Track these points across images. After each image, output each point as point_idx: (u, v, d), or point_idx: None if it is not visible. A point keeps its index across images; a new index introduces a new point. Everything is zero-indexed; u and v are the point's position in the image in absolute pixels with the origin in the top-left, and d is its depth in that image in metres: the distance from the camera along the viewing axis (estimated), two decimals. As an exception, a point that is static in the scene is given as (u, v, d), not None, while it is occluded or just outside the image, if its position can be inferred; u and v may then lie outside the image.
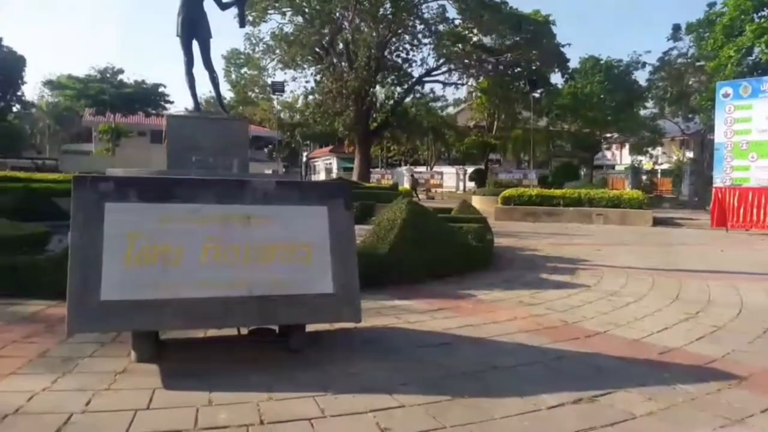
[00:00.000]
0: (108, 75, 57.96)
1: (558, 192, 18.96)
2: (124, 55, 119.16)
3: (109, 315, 3.09)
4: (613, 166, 53.40)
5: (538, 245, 10.36)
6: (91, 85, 56.61)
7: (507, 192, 18.91)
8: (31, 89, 59.50)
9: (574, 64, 40.00)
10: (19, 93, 50.37)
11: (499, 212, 17.59)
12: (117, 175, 4.01)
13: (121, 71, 59.39)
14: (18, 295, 4.82)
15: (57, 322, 4.08)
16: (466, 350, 3.80)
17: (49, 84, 61.47)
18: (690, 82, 38.25)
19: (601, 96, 42.16)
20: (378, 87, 33.77)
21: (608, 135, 46.89)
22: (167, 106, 59.88)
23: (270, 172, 37.83)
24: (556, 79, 39.08)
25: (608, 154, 56.86)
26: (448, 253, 6.51)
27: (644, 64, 41.20)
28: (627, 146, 51.03)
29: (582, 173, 42.19)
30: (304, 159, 65.17)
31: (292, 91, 38.48)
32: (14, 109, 52.21)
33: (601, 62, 43.47)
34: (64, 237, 6.73)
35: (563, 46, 36.25)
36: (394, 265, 5.86)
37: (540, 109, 39.66)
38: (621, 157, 54.82)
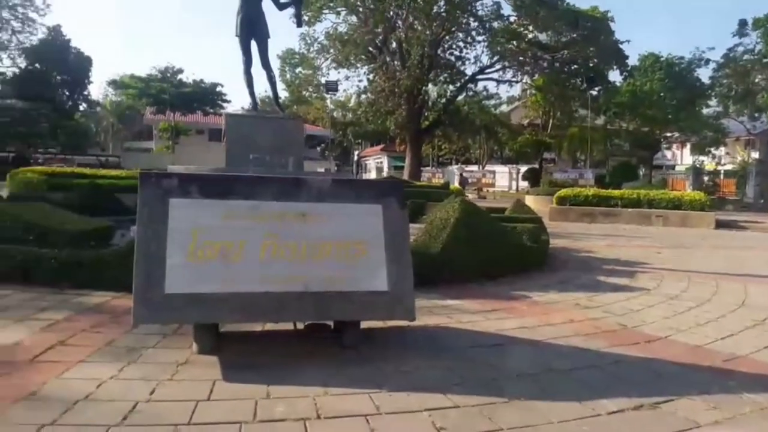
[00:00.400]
0: (168, 75, 59.97)
1: (616, 192, 18.45)
2: (183, 55, 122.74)
3: (172, 307, 3.20)
4: (673, 167, 51.48)
5: (594, 247, 10.12)
6: (152, 85, 58.78)
7: (562, 192, 18.52)
8: (96, 89, 62.23)
9: (633, 61, 38.89)
10: (85, 92, 52.84)
11: (554, 212, 17.25)
12: (180, 172, 4.14)
13: (180, 71, 61.45)
14: (84, 286, 5.05)
15: (122, 313, 4.26)
16: (520, 352, 3.75)
17: (113, 83, 64.20)
18: (756, 80, 36.57)
19: (662, 94, 40.80)
20: (430, 85, 33.63)
21: (668, 134, 45.30)
22: (224, 105, 61.58)
23: (322, 170, 38.30)
24: (615, 76, 38.10)
25: (668, 153, 54.92)
26: (501, 253, 6.43)
27: (707, 61, 39.68)
28: (688, 146, 49.21)
29: (641, 173, 40.94)
30: (356, 157, 65.70)
31: (345, 90, 38.71)
32: (81, 108, 54.73)
33: (662, 59, 42.04)
34: (127, 231, 7.02)
35: (622, 42, 35.23)
36: (447, 265, 5.83)
37: (597, 107, 38.66)
38: (681, 157, 52.88)
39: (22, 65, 47.00)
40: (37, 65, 46.33)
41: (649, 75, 41.75)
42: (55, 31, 47.19)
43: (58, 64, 46.73)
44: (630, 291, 6.07)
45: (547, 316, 4.73)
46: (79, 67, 48.96)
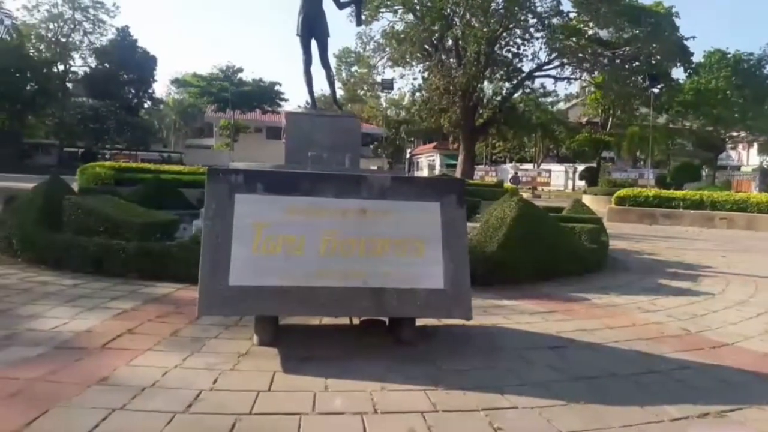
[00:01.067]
0: (229, 74, 61.60)
1: (677, 193, 17.81)
2: (244, 54, 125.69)
3: (236, 299, 3.30)
4: (738, 167, 49.22)
5: (655, 249, 9.80)
6: (213, 83, 60.54)
7: (622, 192, 18.00)
8: (161, 87, 64.81)
9: (697, 58, 37.38)
10: (150, 90, 54.96)
11: (613, 213, 16.80)
12: (246, 169, 4.26)
13: (240, 70, 63.05)
14: (151, 277, 5.27)
15: (185, 304, 4.42)
16: (580, 355, 3.68)
17: (176, 82, 66.51)
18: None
19: (728, 92, 39.14)
20: (486, 83, 33.31)
21: (734, 134, 43.39)
22: (282, 103, 62.80)
23: (375, 168, 38.47)
24: (678, 73, 36.69)
25: (733, 154, 52.50)
26: (559, 254, 6.31)
27: (779, 58, 37.66)
28: (755, 146, 46.90)
29: (703, 174, 39.35)
30: (408, 155, 65.70)
31: (399, 89, 38.98)
32: (145, 106, 56.96)
33: (729, 56, 40.33)
34: (189, 225, 7.27)
35: (686, 39, 33.93)
36: (503, 264, 5.76)
37: (659, 106, 37.31)
38: (748, 157, 50.44)
39: (93, 65, 49.27)
40: (106, 64, 48.50)
41: (715, 72, 40.13)
42: (123, 32, 49.26)
43: (125, 64, 48.78)
44: (694, 295, 5.85)
45: (608, 319, 4.62)
46: (144, 66, 50.98)
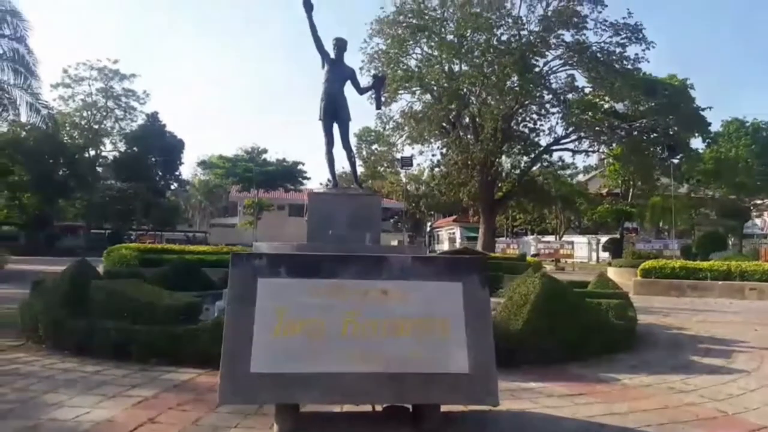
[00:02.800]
0: (254, 155, 63.48)
1: (704, 264, 17.42)
2: (268, 135, 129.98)
3: (256, 387, 3.26)
4: (765, 235, 48.30)
5: (684, 323, 9.52)
6: (238, 164, 62.25)
7: (647, 264, 17.66)
8: (187, 168, 66.80)
9: (715, 127, 37.63)
10: (177, 173, 56.63)
11: (639, 285, 16.45)
12: (268, 252, 4.32)
13: (265, 151, 64.95)
14: (173, 362, 5.24)
15: (206, 390, 4.38)
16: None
17: (203, 164, 68.59)
18: None
19: (748, 160, 39.01)
20: (504, 157, 33.73)
21: (758, 201, 42.86)
22: (304, 182, 64.17)
23: (395, 242, 38.59)
24: (697, 143, 36.86)
25: (758, 221, 51.61)
26: (586, 332, 6.15)
27: (798, 126, 37.76)
28: (781, 213, 46.27)
29: (730, 243, 38.62)
30: (428, 229, 65.89)
31: (418, 164, 39.50)
32: (172, 187, 58.55)
33: (747, 125, 40.48)
34: (211, 305, 7.29)
35: (703, 109, 34.29)
36: (528, 343, 5.63)
37: (680, 176, 37.27)
38: (774, 225, 49.67)
39: (122, 149, 51.17)
40: (135, 149, 50.29)
41: (734, 141, 40.25)
42: (152, 118, 51.38)
43: (153, 148, 50.54)
44: (728, 373, 5.63)
45: (639, 402, 4.44)
46: (172, 149, 52.77)
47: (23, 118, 25.33)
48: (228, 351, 3.32)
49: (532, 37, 30.19)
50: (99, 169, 50.46)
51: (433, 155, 35.37)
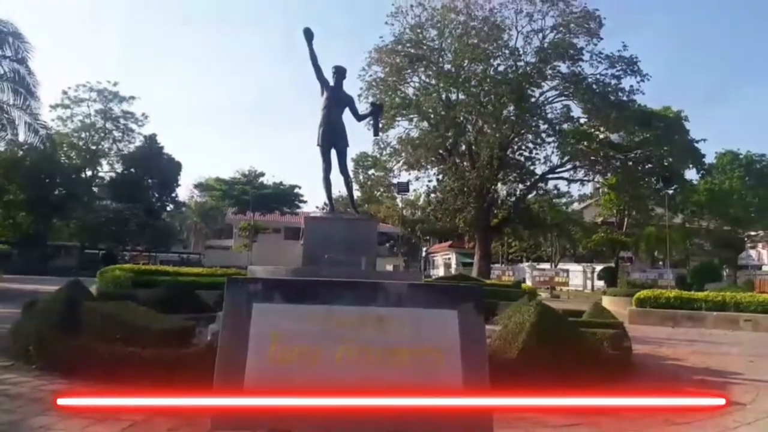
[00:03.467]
0: (251, 178, 63.64)
1: (699, 294, 17.43)
2: (265, 159, 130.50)
3: (249, 413, 3.22)
4: (759, 267, 48.43)
5: (680, 354, 9.50)
6: (235, 187, 62.36)
7: (642, 293, 17.66)
8: (184, 190, 66.79)
9: (709, 159, 37.99)
10: (173, 194, 56.61)
11: (634, 315, 16.41)
12: (263, 277, 4.31)
13: (262, 174, 65.15)
14: (165, 385, 5.16)
15: (198, 415, 4.31)
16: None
17: (199, 186, 68.65)
18: None
19: (742, 192, 39.32)
20: (499, 184, 33.93)
21: (753, 233, 43.09)
22: (301, 205, 64.25)
23: (391, 267, 38.51)
24: (691, 174, 37.15)
25: (753, 253, 51.82)
26: (581, 361, 6.13)
27: (791, 158, 38.19)
28: (775, 245, 46.51)
29: (724, 274, 38.71)
30: (424, 253, 65.83)
31: (414, 190, 39.63)
32: (168, 209, 58.49)
33: (741, 157, 40.92)
34: (204, 328, 7.23)
35: (697, 141, 34.67)
36: (523, 371, 5.60)
37: (674, 206, 37.49)
38: (769, 256, 49.85)
39: (119, 170, 51.21)
40: (132, 170, 50.35)
41: (728, 173, 40.63)
42: (150, 140, 51.54)
43: (150, 169, 50.61)
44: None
45: (635, 433, 4.41)
46: (169, 171, 52.84)
47: (21, 138, 25.39)
48: (221, 377, 3.28)
49: (528, 68, 30.67)
50: (95, 190, 50.42)
51: (429, 181, 35.62)
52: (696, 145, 34.53)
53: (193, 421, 4.17)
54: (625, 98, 30.92)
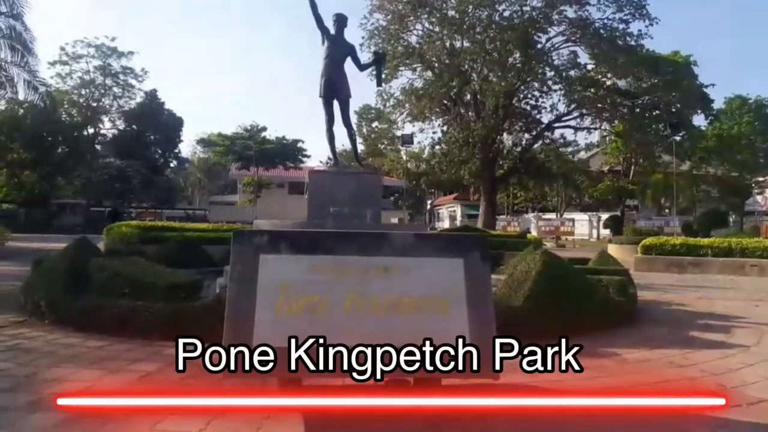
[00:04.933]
0: (253, 132, 63.22)
1: (705, 241, 17.43)
2: (267, 113, 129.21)
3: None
4: (766, 212, 48.29)
5: (685, 299, 9.55)
6: (237, 142, 62.06)
7: (648, 241, 17.68)
8: (186, 146, 66.47)
9: (718, 104, 37.37)
10: (176, 150, 56.47)
11: (639, 262, 16.47)
12: (269, 229, 4.31)
13: (264, 129, 64.73)
14: (175, 338, 5.24)
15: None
16: (613, 415, 3.54)
17: (202, 142, 68.39)
18: None
19: (751, 137, 38.86)
20: (505, 134, 33.60)
21: (760, 179, 42.80)
22: (304, 159, 64.04)
23: (396, 220, 38.62)
24: (699, 120, 36.63)
25: (759, 199, 51.60)
26: (586, 308, 6.18)
27: (802, 102, 37.53)
28: (783, 190, 46.24)
29: (731, 220, 38.65)
30: (429, 207, 65.87)
31: (419, 142, 39.30)
32: (171, 165, 58.42)
33: (750, 101, 40.22)
34: (212, 282, 7.31)
35: (706, 86, 34.05)
36: (528, 319, 5.65)
37: (682, 153, 37.14)
38: (775, 202, 49.66)
39: (121, 127, 50.94)
40: (134, 126, 50.07)
41: (737, 118, 40.05)
42: (151, 95, 51.06)
43: (152, 125, 50.35)
44: (728, 348, 5.67)
45: (640, 376, 4.47)
46: (171, 127, 52.55)
47: (21, 96, 25.11)
48: (230, 326, 3.33)
49: (534, 13, 29.87)
50: (98, 147, 50.28)
51: (433, 133, 35.27)
52: (705, 90, 33.92)
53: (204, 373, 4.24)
54: (633, 43, 30.20)
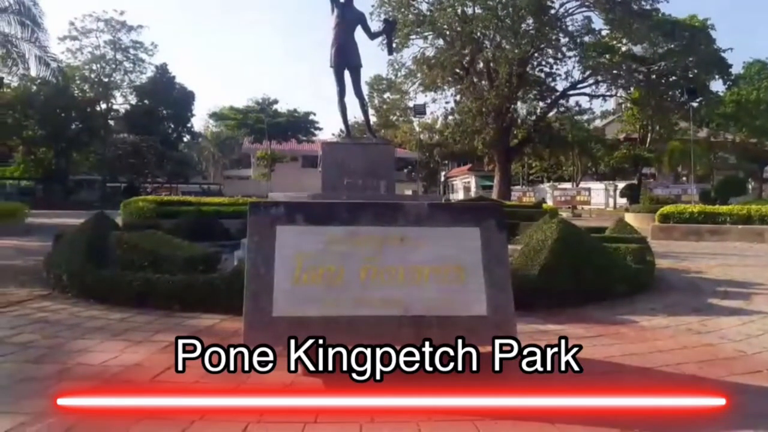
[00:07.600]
0: (265, 105, 63.05)
1: (723, 208, 17.21)
2: (278, 86, 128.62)
3: (279, 330, 3.32)
4: (786, 179, 47.52)
5: (703, 267, 9.48)
6: (249, 115, 61.98)
7: (665, 209, 17.50)
8: (198, 121, 66.55)
9: (737, 69, 36.49)
10: (188, 125, 56.52)
11: (657, 231, 16.34)
12: (285, 201, 4.33)
13: (275, 102, 64.53)
14: (194, 309, 5.34)
15: (230, 335, 4.46)
16: (631, 381, 3.56)
17: (214, 115, 68.44)
18: None
19: (770, 102, 38.08)
20: (519, 103, 33.18)
21: (779, 145, 42.02)
22: (316, 132, 63.87)
23: (410, 192, 38.56)
24: (717, 86, 35.81)
25: (778, 165, 50.68)
26: (603, 276, 6.16)
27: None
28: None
29: (749, 187, 38.09)
30: (443, 178, 65.59)
31: (432, 113, 38.86)
32: (184, 140, 58.57)
33: (770, 66, 39.30)
34: (230, 255, 7.38)
35: (724, 51, 33.16)
36: (545, 288, 5.66)
37: (699, 119, 36.45)
38: (795, 169, 48.69)
39: (133, 102, 51.01)
40: (146, 101, 50.12)
41: (756, 83, 39.18)
42: (161, 70, 50.95)
43: (164, 100, 50.36)
44: (747, 314, 5.64)
45: (658, 342, 4.47)
46: (182, 101, 52.55)
47: (33, 72, 25.27)
48: (250, 296, 3.37)
49: (547, -23, 29.20)
50: (111, 123, 50.45)
51: (446, 103, 34.92)
52: (723, 54, 33.12)
53: (226, 341, 4.29)
54: (648, 7, 29.52)
